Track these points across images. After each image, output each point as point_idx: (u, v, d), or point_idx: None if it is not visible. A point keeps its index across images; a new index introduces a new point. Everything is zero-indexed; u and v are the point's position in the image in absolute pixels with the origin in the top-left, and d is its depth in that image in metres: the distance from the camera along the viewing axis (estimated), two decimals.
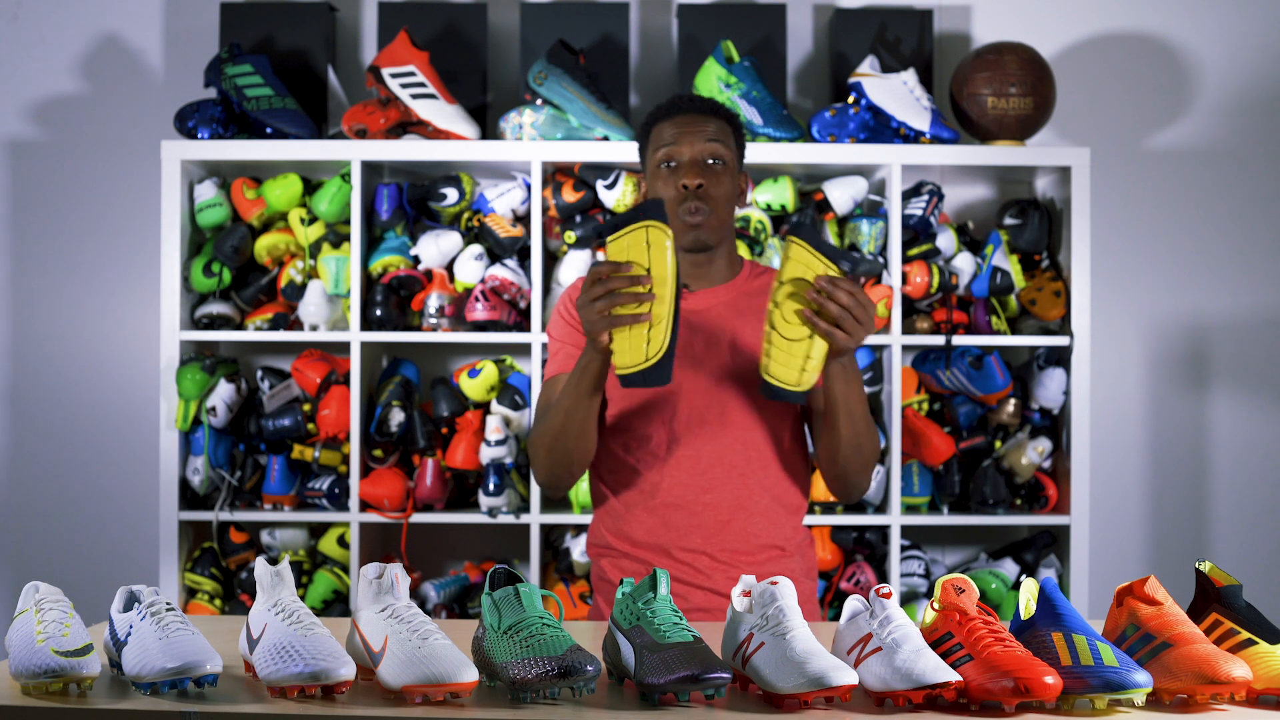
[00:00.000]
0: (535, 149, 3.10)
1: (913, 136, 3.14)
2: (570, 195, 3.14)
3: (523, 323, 3.16)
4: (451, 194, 3.19)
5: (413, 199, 3.21)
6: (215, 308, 3.16)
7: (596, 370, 2.00)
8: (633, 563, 2.15)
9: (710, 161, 2.14)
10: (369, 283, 3.18)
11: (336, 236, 3.15)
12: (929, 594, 3.17)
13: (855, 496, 2.19)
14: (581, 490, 3.09)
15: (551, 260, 3.25)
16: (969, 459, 3.23)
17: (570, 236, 3.15)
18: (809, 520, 3.08)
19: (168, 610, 1.57)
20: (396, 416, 3.13)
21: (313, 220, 3.17)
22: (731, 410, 2.13)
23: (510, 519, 3.10)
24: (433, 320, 3.13)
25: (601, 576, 2.20)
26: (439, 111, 3.11)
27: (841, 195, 3.17)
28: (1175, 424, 3.41)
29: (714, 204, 2.14)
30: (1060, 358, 3.17)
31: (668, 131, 2.16)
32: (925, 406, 3.21)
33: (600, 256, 1.87)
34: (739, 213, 3.07)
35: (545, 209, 3.17)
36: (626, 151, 3.08)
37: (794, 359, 1.89)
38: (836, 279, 1.87)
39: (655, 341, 1.87)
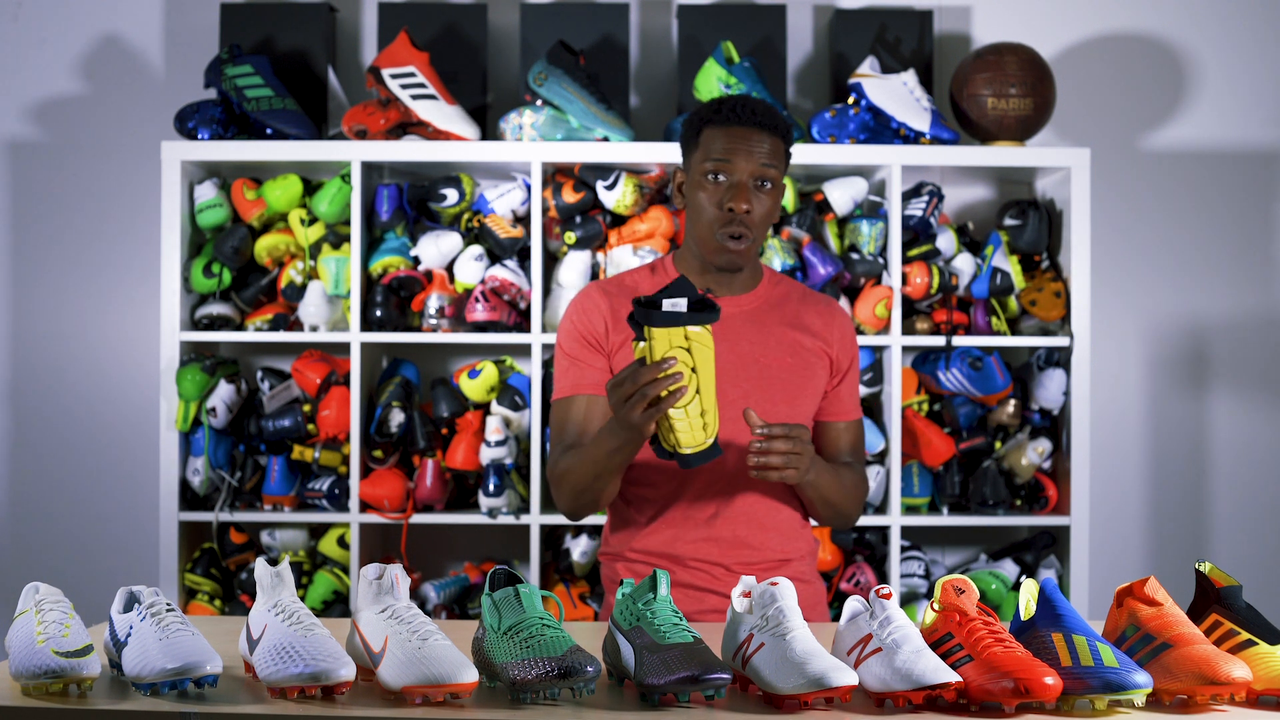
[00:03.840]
0: (535, 149, 3.10)
1: (913, 137, 3.14)
2: (570, 196, 3.14)
3: (523, 323, 3.16)
4: (451, 194, 3.19)
5: (413, 199, 3.21)
6: (215, 308, 3.15)
7: (633, 451, 1.98)
8: (646, 568, 2.16)
9: (760, 182, 2.09)
10: (369, 283, 3.18)
11: (336, 237, 3.15)
12: (929, 594, 3.17)
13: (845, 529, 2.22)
14: None
15: (551, 261, 3.25)
16: (969, 459, 3.23)
17: (570, 237, 3.15)
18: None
19: (168, 611, 1.57)
20: (396, 417, 3.13)
21: (313, 221, 3.17)
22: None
23: (510, 519, 3.09)
24: (433, 321, 3.13)
25: (613, 579, 2.21)
26: (439, 112, 3.11)
27: (841, 196, 3.17)
28: (1175, 424, 3.41)
29: (756, 229, 2.10)
30: (1060, 358, 3.17)
31: (720, 141, 2.09)
32: (925, 407, 3.21)
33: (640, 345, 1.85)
34: None
35: (545, 210, 3.17)
36: (627, 152, 3.08)
37: (694, 423, 1.87)
38: (768, 433, 1.90)
39: (710, 424, 1.86)
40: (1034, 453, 3.14)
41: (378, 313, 3.12)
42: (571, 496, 2.11)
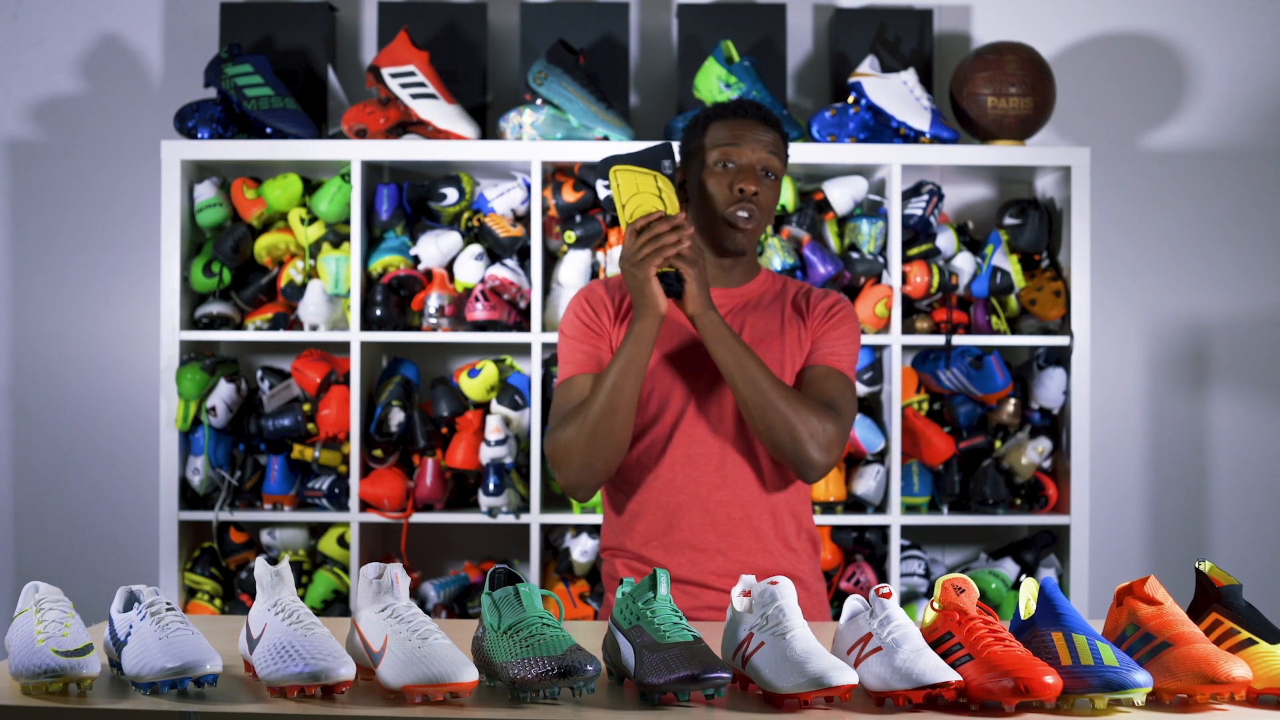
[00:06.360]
0: (535, 149, 3.10)
1: (913, 136, 3.14)
2: (570, 195, 3.14)
3: (523, 323, 3.16)
4: (451, 194, 3.19)
5: (413, 199, 3.21)
6: (215, 308, 3.15)
7: (654, 336, 2.03)
8: (644, 564, 2.17)
9: (765, 171, 2.17)
10: (369, 283, 3.18)
11: (336, 236, 3.15)
12: (929, 594, 3.17)
13: (807, 476, 2.10)
14: None
15: (551, 260, 3.25)
16: (969, 459, 3.23)
17: (570, 236, 3.15)
18: None
19: (168, 610, 1.57)
20: (396, 416, 3.13)
21: (313, 220, 3.17)
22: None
23: (510, 519, 3.09)
24: (433, 320, 3.13)
25: (613, 575, 2.22)
26: (439, 111, 3.11)
27: (841, 195, 3.17)
28: (1175, 424, 3.41)
29: (763, 213, 2.18)
30: (1060, 358, 3.17)
31: (726, 131, 2.17)
32: (925, 406, 3.21)
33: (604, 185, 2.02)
34: None
35: (545, 209, 3.17)
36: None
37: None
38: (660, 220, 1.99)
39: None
40: (1034, 452, 3.14)
41: (378, 312, 3.12)
42: (587, 442, 2.05)
